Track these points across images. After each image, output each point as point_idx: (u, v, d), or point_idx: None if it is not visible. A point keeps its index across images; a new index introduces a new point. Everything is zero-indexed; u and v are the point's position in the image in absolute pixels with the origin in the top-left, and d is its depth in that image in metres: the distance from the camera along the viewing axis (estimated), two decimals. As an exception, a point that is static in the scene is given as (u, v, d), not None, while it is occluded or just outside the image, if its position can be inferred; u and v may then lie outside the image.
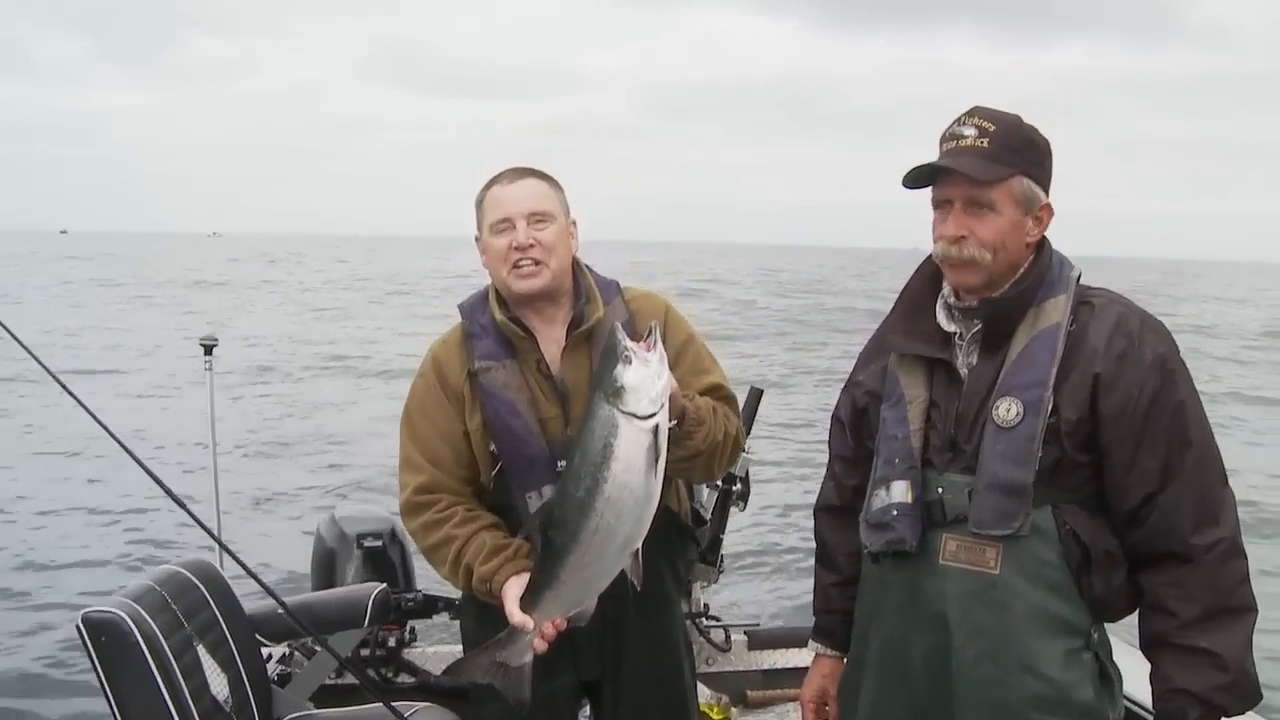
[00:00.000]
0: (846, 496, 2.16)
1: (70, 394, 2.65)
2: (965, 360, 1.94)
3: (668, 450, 1.98)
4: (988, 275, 1.88)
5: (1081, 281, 1.93)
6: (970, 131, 1.86)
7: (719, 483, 3.27)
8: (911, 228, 2.01)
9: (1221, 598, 1.78)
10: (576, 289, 2.28)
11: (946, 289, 1.99)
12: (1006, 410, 1.83)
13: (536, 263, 2.19)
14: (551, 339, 2.26)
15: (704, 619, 3.66)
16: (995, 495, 1.83)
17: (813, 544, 2.29)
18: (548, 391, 2.24)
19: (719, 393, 2.28)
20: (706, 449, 2.14)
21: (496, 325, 2.25)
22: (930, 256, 2.01)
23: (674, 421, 2.02)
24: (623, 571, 2.00)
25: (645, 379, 1.87)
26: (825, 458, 2.27)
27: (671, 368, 2.17)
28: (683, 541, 2.47)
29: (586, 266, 2.34)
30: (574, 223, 2.30)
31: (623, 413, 1.86)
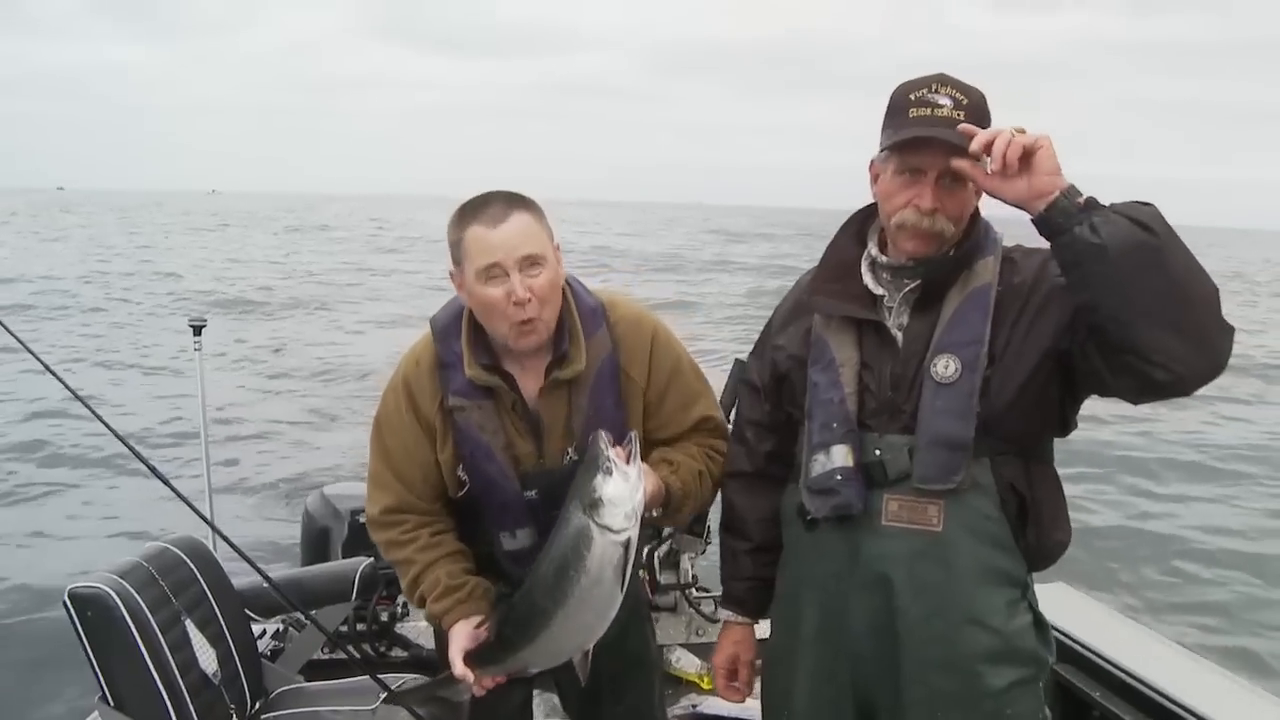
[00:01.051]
0: (759, 462, 2.18)
1: (65, 386, 2.76)
2: (895, 322, 1.96)
3: (652, 525, 2.08)
4: (943, 245, 1.92)
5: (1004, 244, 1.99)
6: (945, 101, 1.85)
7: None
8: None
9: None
10: (559, 326, 2.16)
11: (874, 250, 2.00)
12: (945, 367, 1.87)
13: (533, 319, 2.06)
14: (530, 374, 2.18)
15: (693, 590, 3.74)
16: (938, 450, 1.87)
17: None
18: (523, 430, 2.19)
19: (707, 424, 2.28)
20: (690, 514, 2.23)
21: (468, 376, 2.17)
22: (853, 217, 2.05)
23: (658, 511, 2.08)
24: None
25: (623, 494, 1.90)
26: None
27: (658, 402, 2.23)
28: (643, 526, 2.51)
29: (572, 291, 2.21)
30: (558, 247, 2.15)
31: (598, 525, 1.90)
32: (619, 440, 1.96)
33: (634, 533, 1.93)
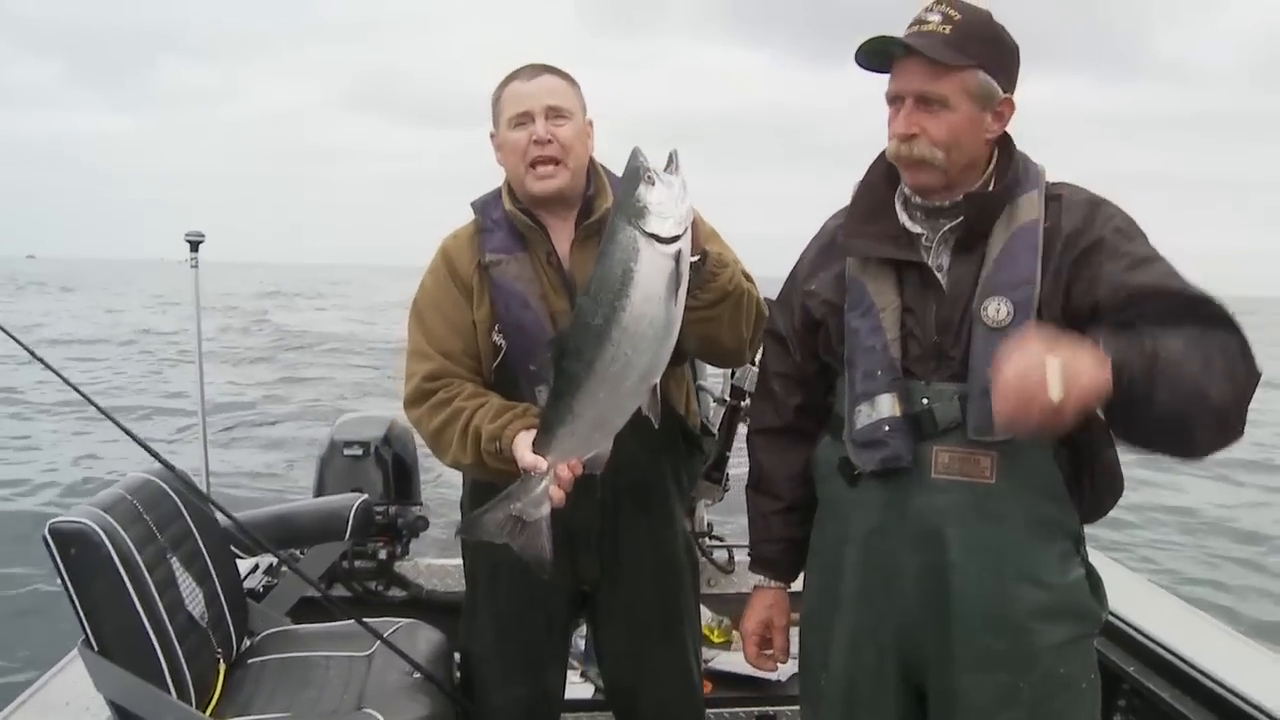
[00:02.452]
0: (788, 416, 2.15)
1: (16, 340, 2.70)
2: (935, 261, 1.92)
3: (693, 296, 2.01)
4: (943, 175, 1.87)
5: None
6: (935, 17, 1.84)
7: (726, 397, 3.26)
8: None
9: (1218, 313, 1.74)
10: (587, 180, 2.34)
11: (906, 187, 1.97)
12: (996, 310, 1.83)
13: (555, 162, 2.25)
14: (563, 232, 2.32)
15: (707, 539, 3.70)
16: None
17: None
18: (557, 285, 2.30)
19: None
20: (734, 292, 2.14)
21: (508, 217, 2.32)
22: (883, 153, 2.00)
23: (697, 257, 2.02)
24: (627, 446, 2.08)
25: (669, 200, 1.88)
26: None
27: None
28: (689, 448, 2.52)
29: (602, 166, 2.39)
30: (590, 122, 2.35)
31: (645, 234, 1.87)
32: None
33: (685, 245, 1.90)
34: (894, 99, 1.88)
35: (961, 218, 1.90)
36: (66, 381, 2.80)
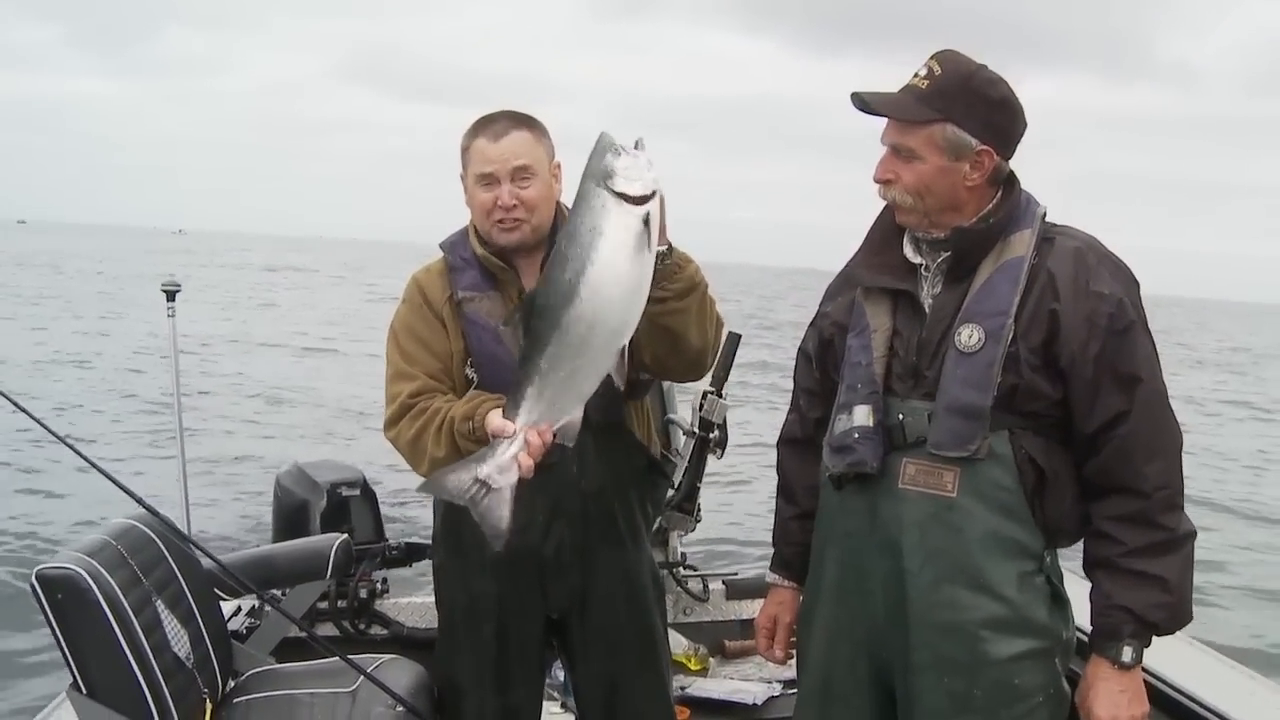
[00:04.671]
0: (809, 429, 2.31)
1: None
2: (930, 291, 2.07)
3: (662, 287, 2.10)
4: (923, 217, 2.03)
5: (1047, 219, 2.06)
6: (922, 72, 2.00)
7: (695, 429, 3.35)
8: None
9: (1168, 531, 1.94)
10: (555, 227, 2.40)
11: None
12: (968, 336, 1.97)
13: (518, 220, 2.34)
14: (531, 271, 2.40)
15: (681, 568, 3.78)
16: (954, 418, 1.97)
17: None
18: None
19: None
20: (700, 285, 2.23)
21: (479, 259, 2.41)
22: None
23: (664, 247, 2.08)
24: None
25: (635, 166, 1.94)
26: None
27: None
28: (653, 478, 2.62)
29: (568, 208, 2.43)
30: (558, 165, 2.43)
31: (613, 194, 1.93)
32: None
33: (653, 209, 1.95)
34: (883, 145, 2.05)
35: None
36: (49, 430, 2.85)
